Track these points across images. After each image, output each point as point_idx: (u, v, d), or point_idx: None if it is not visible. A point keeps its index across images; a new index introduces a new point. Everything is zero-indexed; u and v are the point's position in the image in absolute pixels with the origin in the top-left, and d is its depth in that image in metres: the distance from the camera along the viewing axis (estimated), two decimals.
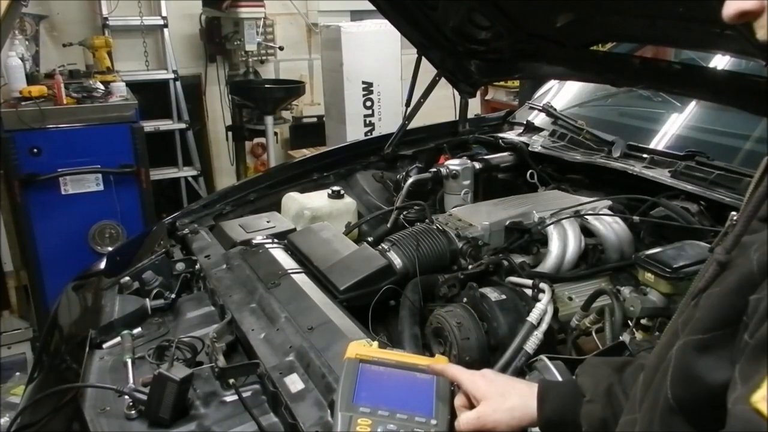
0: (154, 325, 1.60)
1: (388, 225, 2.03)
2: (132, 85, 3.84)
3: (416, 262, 1.63)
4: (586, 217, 1.73)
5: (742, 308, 0.60)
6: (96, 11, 4.62)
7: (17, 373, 3.24)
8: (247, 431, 1.19)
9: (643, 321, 1.36)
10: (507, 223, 1.75)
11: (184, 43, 5.07)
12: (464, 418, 0.96)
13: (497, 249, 1.70)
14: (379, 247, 1.72)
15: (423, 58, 2.52)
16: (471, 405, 0.98)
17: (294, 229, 1.99)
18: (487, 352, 1.38)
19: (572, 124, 2.38)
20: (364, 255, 1.68)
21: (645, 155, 2.05)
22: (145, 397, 1.21)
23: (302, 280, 1.61)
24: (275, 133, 5.02)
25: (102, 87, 3.66)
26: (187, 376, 1.21)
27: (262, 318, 1.48)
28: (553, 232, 1.67)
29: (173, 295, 1.72)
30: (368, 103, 4.55)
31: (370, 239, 1.88)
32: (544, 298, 1.39)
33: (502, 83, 4.96)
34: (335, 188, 2.25)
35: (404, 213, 2.06)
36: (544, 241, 1.69)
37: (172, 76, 4.67)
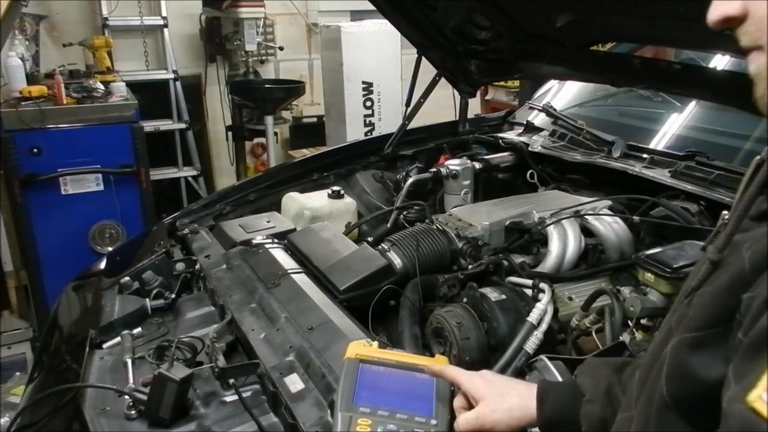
0: (154, 325, 1.60)
1: (388, 225, 2.03)
2: (132, 85, 3.84)
3: (416, 262, 1.63)
4: (586, 217, 1.73)
5: (735, 306, 0.61)
6: (96, 11, 4.61)
7: (17, 373, 3.24)
8: (247, 431, 1.19)
9: (643, 321, 1.36)
10: (507, 223, 1.75)
11: (184, 43, 5.07)
12: (463, 419, 0.96)
13: (497, 249, 1.70)
14: (379, 247, 1.72)
15: (423, 58, 2.52)
16: (470, 406, 0.98)
17: (294, 229, 1.99)
18: (487, 352, 1.38)
19: (572, 124, 2.38)
20: (364, 255, 1.68)
21: (645, 155, 2.05)
22: (145, 397, 1.21)
23: (302, 280, 1.61)
24: (275, 133, 5.02)
25: (102, 87, 3.66)
26: (187, 376, 1.21)
27: (262, 318, 1.48)
28: (553, 232, 1.67)
29: (173, 295, 1.72)
30: (368, 103, 4.55)
31: (370, 239, 1.88)
32: (544, 298, 1.39)
33: (502, 83, 4.96)
34: (335, 188, 2.25)
35: (404, 213, 2.06)
36: (544, 241, 1.69)
37: (172, 76, 4.67)
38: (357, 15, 5.15)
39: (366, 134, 4.50)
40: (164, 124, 4.68)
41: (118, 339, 1.52)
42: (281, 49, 5.18)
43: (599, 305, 1.42)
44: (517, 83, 4.67)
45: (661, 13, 1.64)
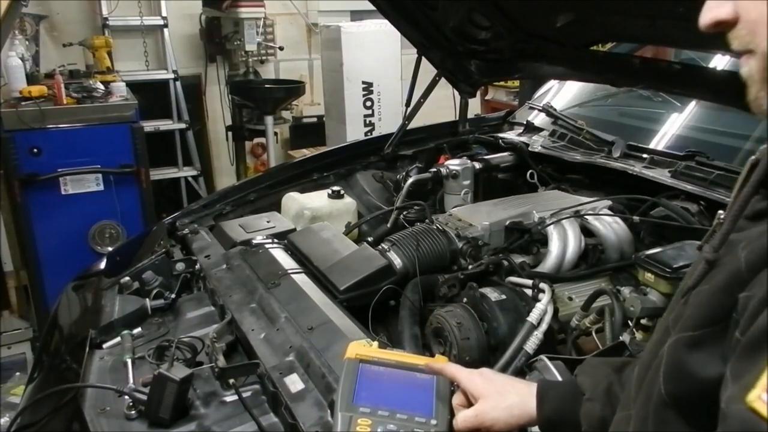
0: (154, 325, 1.60)
1: (388, 225, 2.03)
2: (132, 85, 3.84)
3: (416, 262, 1.63)
4: (586, 217, 1.73)
5: (732, 305, 0.61)
6: (96, 11, 4.61)
7: (17, 373, 3.24)
8: (247, 431, 1.19)
9: (643, 321, 1.36)
10: (507, 223, 1.75)
11: (184, 43, 5.07)
12: (462, 416, 0.96)
13: (497, 249, 1.70)
14: (379, 247, 1.72)
15: (423, 58, 2.52)
16: (469, 404, 0.98)
17: (294, 229, 1.99)
18: (487, 352, 1.38)
19: (572, 124, 2.38)
20: (364, 255, 1.68)
21: (645, 155, 2.05)
22: (145, 397, 1.21)
23: (302, 280, 1.61)
24: (275, 133, 5.02)
25: (102, 87, 3.66)
26: (187, 376, 1.21)
27: (262, 318, 1.48)
28: (553, 232, 1.67)
29: (173, 295, 1.71)
30: (368, 103, 4.55)
31: (370, 239, 1.88)
32: (544, 298, 1.39)
33: (502, 83, 4.96)
34: (335, 188, 2.25)
35: (404, 213, 2.06)
36: (544, 241, 1.69)
37: (172, 76, 4.67)
38: (357, 15, 5.15)
39: (366, 134, 4.50)
40: (164, 124, 4.68)
41: (118, 339, 1.52)
42: (281, 49, 5.18)
43: (599, 305, 1.42)
44: (517, 83, 4.67)
45: (661, 13, 1.64)
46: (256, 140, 5.28)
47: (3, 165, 3.30)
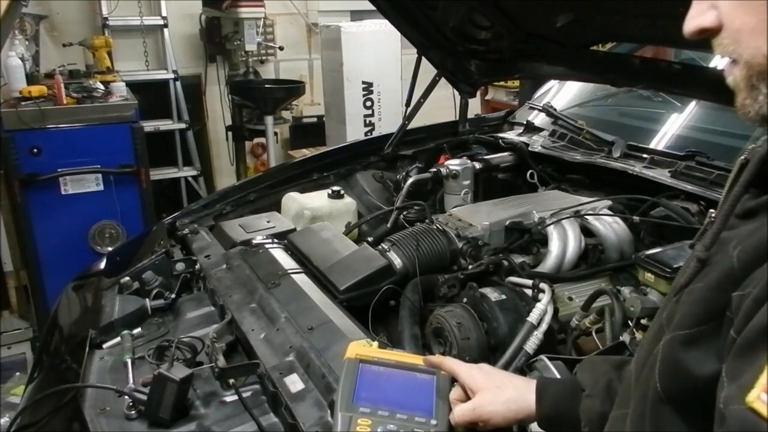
0: (154, 325, 1.60)
1: (388, 225, 2.03)
2: (132, 85, 3.84)
3: (416, 262, 1.63)
4: (586, 217, 1.73)
5: (725, 303, 0.61)
6: (96, 11, 4.62)
7: (17, 373, 3.24)
8: (247, 431, 1.19)
9: (643, 321, 1.35)
10: (507, 223, 1.75)
11: (184, 43, 5.07)
12: (459, 410, 0.96)
13: (497, 249, 1.70)
14: (379, 247, 1.72)
15: (423, 58, 2.52)
16: (467, 398, 0.98)
17: (294, 229, 1.99)
18: (487, 352, 1.38)
19: (572, 124, 2.38)
20: (364, 255, 1.68)
21: (645, 155, 2.05)
22: (145, 397, 1.21)
23: (302, 280, 1.61)
24: (275, 133, 5.02)
25: (102, 87, 3.66)
26: (187, 376, 1.21)
27: (262, 318, 1.48)
28: (553, 232, 1.67)
29: (173, 295, 1.71)
30: (368, 103, 4.55)
31: (370, 239, 1.88)
32: (544, 298, 1.39)
33: (502, 83, 4.96)
34: (335, 188, 2.25)
35: (404, 213, 2.06)
36: (544, 241, 1.69)
37: (172, 76, 4.67)
38: (357, 15, 5.15)
39: (366, 134, 4.50)
40: (164, 124, 4.68)
41: (118, 339, 1.52)
42: (281, 49, 5.18)
43: (599, 305, 1.42)
44: (517, 83, 4.67)
45: (661, 13, 1.65)
46: (256, 140, 5.28)
47: (3, 165, 3.30)
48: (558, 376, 1.16)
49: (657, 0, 1.59)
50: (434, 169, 2.23)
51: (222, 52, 5.09)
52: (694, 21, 0.65)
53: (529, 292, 1.45)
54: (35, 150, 3.30)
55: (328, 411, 1.13)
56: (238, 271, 1.72)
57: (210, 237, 2.00)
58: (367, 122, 4.58)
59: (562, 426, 0.94)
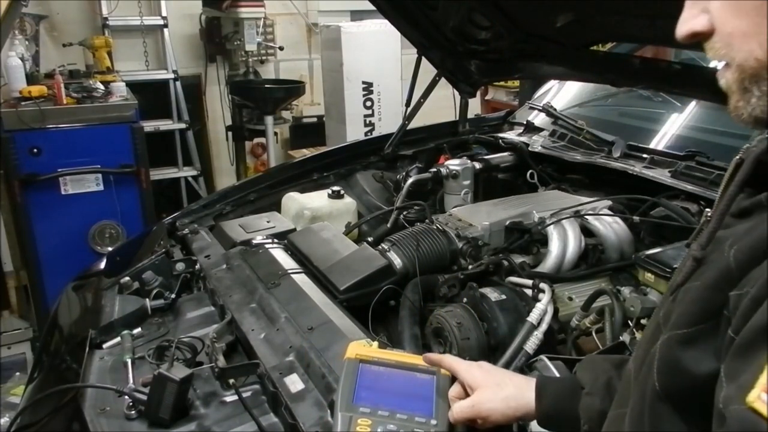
0: (154, 325, 1.60)
1: (388, 225, 2.03)
2: (132, 85, 3.84)
3: (416, 262, 1.63)
4: (586, 217, 1.73)
5: (722, 302, 0.62)
6: (96, 11, 4.61)
7: (17, 373, 3.24)
8: (247, 431, 1.19)
9: (643, 321, 1.35)
10: (507, 223, 1.75)
11: (184, 43, 5.07)
12: (458, 406, 0.96)
13: (497, 249, 1.70)
14: (379, 247, 1.72)
15: (423, 58, 2.51)
16: (466, 395, 0.99)
17: (294, 229, 1.99)
18: (487, 352, 1.38)
19: (572, 124, 2.38)
20: (364, 255, 1.68)
21: (645, 155, 2.05)
22: (145, 397, 1.21)
23: (302, 280, 1.61)
24: (275, 133, 5.02)
25: (102, 87, 3.66)
26: (187, 376, 1.21)
27: (262, 318, 1.48)
28: (553, 232, 1.67)
29: (173, 295, 1.71)
30: (368, 103, 4.55)
31: (370, 239, 1.88)
32: (544, 298, 1.40)
33: (502, 83, 4.96)
34: (335, 188, 2.25)
35: (404, 213, 2.06)
36: (544, 241, 1.69)
37: (172, 76, 4.67)
38: (357, 15, 5.15)
39: (366, 134, 4.50)
40: (164, 124, 4.68)
41: (118, 339, 1.52)
42: (281, 49, 5.18)
43: (599, 305, 1.42)
44: (517, 83, 4.67)
45: (661, 13, 1.64)
46: (256, 140, 5.28)
47: (3, 165, 3.30)
48: (558, 376, 1.16)
49: (657, 0, 1.59)
50: (434, 169, 2.23)
51: (222, 52, 5.09)
52: (686, 25, 0.66)
53: (529, 292, 1.45)
54: (35, 150, 3.30)
55: (328, 411, 1.13)
56: (238, 271, 1.72)
57: (210, 237, 2.00)
58: (367, 122, 4.58)
59: (562, 424, 0.94)
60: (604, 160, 2.11)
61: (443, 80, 2.58)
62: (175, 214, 2.21)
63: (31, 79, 3.62)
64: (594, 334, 1.41)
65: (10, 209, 3.50)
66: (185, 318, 1.63)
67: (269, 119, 4.76)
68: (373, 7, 2.30)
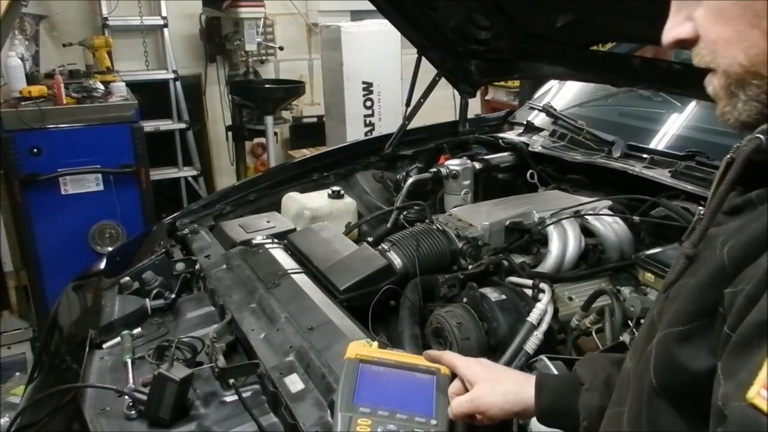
0: (154, 325, 1.60)
1: (388, 225, 2.03)
2: (132, 85, 3.84)
3: (416, 262, 1.63)
4: (586, 217, 1.73)
5: (717, 299, 0.62)
6: (96, 11, 4.62)
7: (17, 373, 3.24)
8: (247, 431, 1.19)
9: (642, 321, 1.36)
10: (507, 223, 1.75)
11: (184, 43, 5.07)
12: (457, 401, 0.96)
13: (497, 249, 1.70)
14: (379, 247, 1.72)
15: (423, 58, 2.52)
16: (466, 392, 0.99)
17: (294, 229, 1.99)
18: (487, 352, 1.38)
19: (572, 124, 2.38)
20: (364, 255, 1.68)
21: (645, 155, 2.05)
22: (145, 397, 1.21)
23: (302, 280, 1.61)
24: (275, 133, 5.02)
25: (102, 87, 3.66)
26: (187, 376, 1.21)
27: (262, 318, 1.48)
28: (553, 232, 1.67)
29: (173, 295, 1.71)
30: (368, 103, 4.55)
31: (370, 239, 1.88)
32: (544, 298, 1.40)
33: (502, 83, 4.96)
34: (335, 188, 2.25)
35: (404, 213, 2.06)
36: (544, 241, 1.69)
37: (172, 76, 4.67)
38: (357, 15, 5.15)
39: (366, 134, 4.50)
40: (164, 124, 4.68)
41: (118, 339, 1.52)
42: (281, 49, 5.18)
43: (599, 305, 1.42)
44: (517, 83, 4.67)
45: (661, 13, 1.64)
46: (256, 140, 5.28)
47: (3, 165, 3.30)
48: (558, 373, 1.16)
49: (657, 0, 1.59)
50: (434, 169, 2.23)
51: (222, 52, 5.09)
52: (671, 32, 0.67)
53: (529, 292, 1.45)
54: (35, 150, 3.30)
55: (328, 411, 1.13)
56: (238, 271, 1.72)
57: (210, 237, 2.00)
58: (367, 122, 4.58)
59: (561, 420, 0.94)
60: (604, 160, 2.11)
61: (443, 80, 2.58)
62: (175, 214, 2.21)
63: (31, 79, 3.62)
64: (594, 334, 1.41)
65: (10, 209, 3.50)
66: (185, 318, 1.63)
67: (269, 119, 4.76)
68: (373, 7, 2.31)
